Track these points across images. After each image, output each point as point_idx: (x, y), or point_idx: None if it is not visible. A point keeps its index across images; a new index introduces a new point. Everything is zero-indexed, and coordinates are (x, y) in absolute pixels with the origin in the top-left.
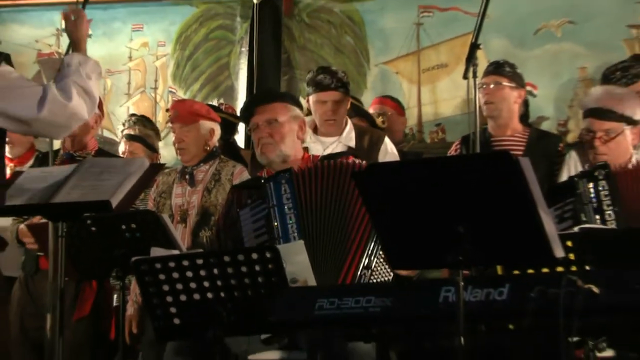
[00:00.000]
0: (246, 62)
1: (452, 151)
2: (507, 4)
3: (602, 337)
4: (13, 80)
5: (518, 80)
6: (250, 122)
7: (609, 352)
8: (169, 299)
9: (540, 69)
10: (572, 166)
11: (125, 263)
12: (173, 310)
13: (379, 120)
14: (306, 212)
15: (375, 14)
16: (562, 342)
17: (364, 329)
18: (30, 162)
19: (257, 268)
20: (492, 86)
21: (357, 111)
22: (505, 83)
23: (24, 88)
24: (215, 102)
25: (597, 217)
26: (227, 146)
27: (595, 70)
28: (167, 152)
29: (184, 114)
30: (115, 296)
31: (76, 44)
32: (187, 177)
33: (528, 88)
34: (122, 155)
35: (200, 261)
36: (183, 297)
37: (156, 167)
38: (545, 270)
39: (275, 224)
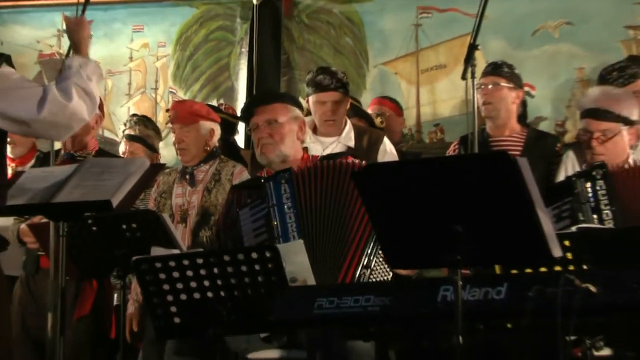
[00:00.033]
0: (246, 63)
1: (450, 151)
2: (505, 5)
3: (600, 335)
4: (13, 81)
5: (516, 81)
6: (250, 122)
7: (607, 351)
8: (169, 298)
9: (538, 70)
10: (569, 166)
11: (126, 262)
12: (173, 309)
13: (377, 121)
14: (306, 212)
15: (374, 15)
16: (560, 341)
17: (363, 328)
18: (32, 162)
19: (257, 267)
20: (490, 87)
21: (356, 111)
22: (504, 84)
23: (24, 89)
24: (215, 103)
25: (595, 216)
26: (227, 146)
27: (592, 70)
28: (167, 152)
29: (184, 115)
30: (115, 295)
31: (77, 47)
32: (187, 177)
33: (526, 88)
34: (122, 156)
35: (200, 260)
36: (183, 296)
37: (156, 167)
38: (543, 269)
39: (275, 223)
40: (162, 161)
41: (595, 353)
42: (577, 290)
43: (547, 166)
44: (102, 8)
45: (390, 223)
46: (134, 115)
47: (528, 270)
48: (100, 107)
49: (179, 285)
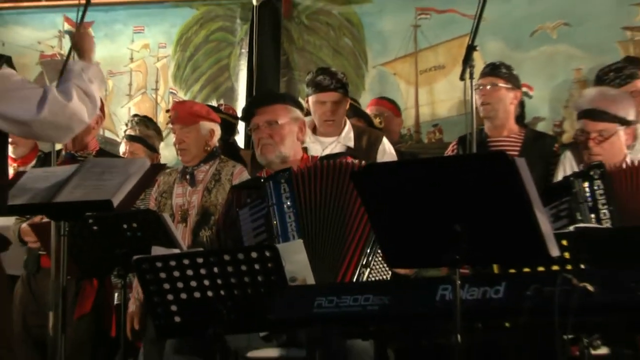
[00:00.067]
0: (246, 64)
1: (449, 151)
2: (504, 6)
3: (597, 334)
4: (14, 82)
5: (514, 82)
6: (250, 122)
7: (604, 350)
8: (170, 297)
9: (536, 71)
10: (567, 166)
11: (127, 262)
12: (174, 308)
13: (376, 121)
14: (305, 211)
15: (373, 16)
16: (558, 340)
17: (362, 327)
18: (33, 162)
19: (257, 267)
20: (488, 87)
21: (355, 112)
22: (502, 84)
23: (25, 90)
24: (215, 103)
25: (593, 216)
26: (227, 146)
27: (590, 71)
28: (168, 153)
29: (184, 115)
30: (116, 294)
31: (82, 56)
32: (187, 177)
33: (524, 89)
34: (122, 156)
35: (200, 260)
36: (184, 296)
37: (157, 168)
38: (540, 268)
39: (275, 222)
40: (162, 161)
41: (593, 352)
42: (575, 289)
43: (545, 166)
44: (103, 9)
45: (389, 223)
46: (135, 115)
47: (526, 270)
48: (101, 107)
49: (180, 285)
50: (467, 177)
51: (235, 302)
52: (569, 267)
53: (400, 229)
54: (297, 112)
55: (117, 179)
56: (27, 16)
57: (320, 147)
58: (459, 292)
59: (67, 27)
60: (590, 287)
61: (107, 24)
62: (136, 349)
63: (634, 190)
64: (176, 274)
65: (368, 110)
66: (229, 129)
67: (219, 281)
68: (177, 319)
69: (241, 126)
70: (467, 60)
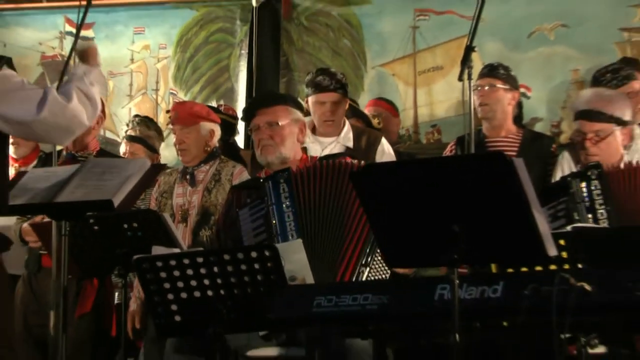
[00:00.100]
0: (246, 65)
1: (447, 152)
2: (502, 7)
3: (594, 333)
4: (14, 83)
5: (512, 83)
6: (251, 122)
7: (601, 349)
8: (170, 296)
9: (534, 72)
10: (565, 167)
11: (127, 261)
12: (174, 307)
13: (375, 122)
14: (304, 211)
15: (372, 17)
16: (555, 339)
17: (361, 326)
18: (34, 162)
19: (257, 266)
20: (486, 88)
21: (354, 112)
22: (500, 85)
23: (25, 91)
24: (215, 104)
25: (590, 216)
26: (227, 147)
27: (587, 72)
28: (168, 153)
29: (184, 116)
30: (116, 294)
31: (85, 61)
32: (187, 177)
33: (522, 90)
34: (123, 156)
35: (200, 259)
36: (184, 295)
37: (157, 168)
38: (538, 268)
39: (274, 222)
40: (162, 161)
41: (590, 351)
42: (572, 288)
43: (543, 167)
44: (103, 10)
45: (388, 222)
46: (136, 116)
47: (524, 269)
48: (102, 108)
49: (180, 284)
50: (465, 177)
51: (235, 301)
52: (566, 266)
53: (399, 229)
54: (298, 114)
55: (117, 179)
56: (28, 17)
57: (320, 147)
58: (458, 292)
59: (68, 28)
60: (587, 287)
61: (107, 25)
62: (136, 348)
63: (631, 191)
64: (176, 273)
65: (366, 111)
66: (228, 129)
67: (219, 281)
68: (178, 318)
69: (241, 126)
70: (466, 61)
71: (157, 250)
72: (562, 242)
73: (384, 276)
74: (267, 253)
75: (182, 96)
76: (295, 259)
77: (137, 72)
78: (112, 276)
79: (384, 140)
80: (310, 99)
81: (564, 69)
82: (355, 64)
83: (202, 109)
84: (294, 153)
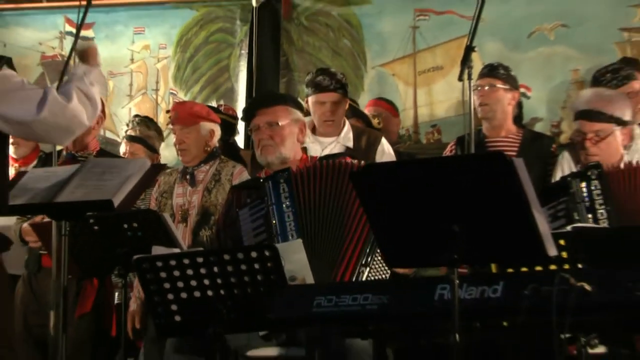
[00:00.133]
0: (246, 65)
1: (447, 152)
2: (502, 7)
3: (594, 333)
4: (14, 83)
5: (512, 83)
6: (251, 122)
7: (601, 349)
8: (170, 296)
9: (534, 72)
10: (565, 167)
11: (127, 261)
12: (174, 307)
13: (375, 122)
14: (304, 211)
15: (372, 17)
16: (555, 339)
17: (361, 326)
18: (35, 162)
19: (257, 266)
20: (486, 88)
21: (354, 112)
22: (500, 85)
23: (25, 91)
24: (215, 104)
25: (590, 216)
26: (227, 147)
27: (587, 72)
28: (168, 153)
29: (184, 116)
30: (116, 294)
31: (85, 61)
32: (188, 177)
33: (522, 90)
34: (122, 156)
35: (200, 259)
36: (184, 295)
37: (157, 168)
38: (538, 268)
39: (274, 222)
40: (163, 161)
41: (590, 351)
42: (572, 288)
43: (543, 166)
44: (103, 10)
45: (388, 222)
46: (136, 116)
47: (524, 269)
48: (102, 107)
49: (180, 284)
50: (465, 177)
51: (235, 301)
52: (566, 266)
53: (399, 229)
54: (298, 114)
55: (117, 179)
56: (29, 17)
57: (320, 147)
58: (458, 292)
59: (68, 28)
60: (587, 287)
61: (107, 25)
62: (136, 348)
63: (631, 191)
64: (176, 273)
65: (366, 111)
66: (228, 129)
67: (219, 280)
68: (178, 318)
69: (241, 126)
70: (466, 61)
71: (157, 250)
72: (562, 242)
73: (384, 276)
74: (267, 253)
75: (182, 96)
76: (295, 259)
77: (137, 72)
78: (112, 276)
79: (384, 140)
80: (310, 99)
81: (564, 69)
82: (355, 64)
83: (202, 109)
84: (294, 153)
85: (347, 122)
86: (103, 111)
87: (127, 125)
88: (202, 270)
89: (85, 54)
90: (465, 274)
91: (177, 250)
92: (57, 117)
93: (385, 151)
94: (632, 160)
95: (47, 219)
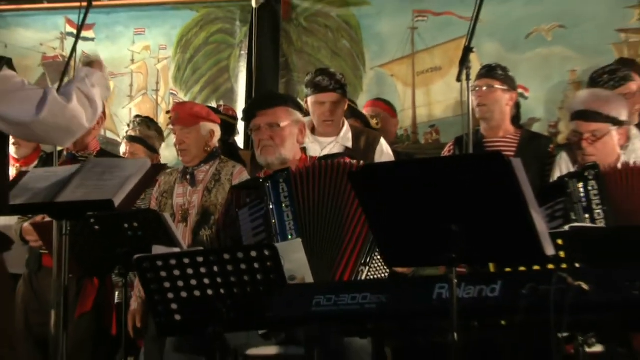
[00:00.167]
0: (245, 65)
1: (445, 152)
2: (500, 8)
3: (592, 332)
4: (14, 84)
5: (510, 83)
6: (251, 123)
7: (599, 348)
8: (170, 295)
9: (532, 72)
10: (563, 167)
11: (128, 261)
12: (174, 306)
13: (373, 122)
14: (303, 211)
15: (371, 18)
16: (553, 338)
17: (360, 325)
18: (35, 162)
19: (256, 266)
20: (484, 89)
21: (353, 112)
22: (498, 86)
23: (25, 91)
24: (215, 104)
25: (587, 216)
26: (227, 147)
27: (585, 73)
28: (168, 153)
29: (184, 116)
30: (117, 293)
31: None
32: (188, 177)
33: (519, 90)
34: (123, 156)
35: (200, 259)
36: (184, 294)
37: (157, 168)
38: (536, 267)
39: (273, 222)
40: (163, 161)
41: (588, 350)
42: (570, 288)
43: (541, 167)
44: (104, 11)
45: (386, 222)
46: (137, 116)
47: (522, 269)
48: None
49: (180, 283)
50: (463, 177)
51: (234, 300)
52: (564, 266)
53: (397, 229)
54: (298, 115)
55: (118, 179)
56: (30, 18)
57: (319, 147)
58: (456, 291)
59: (68, 29)
60: (585, 286)
61: (108, 26)
62: (137, 347)
63: (628, 191)
64: (176, 272)
65: (364, 112)
66: (228, 129)
67: (219, 280)
68: (178, 317)
69: (241, 127)
70: (464, 62)
71: (158, 249)
72: (559, 241)
73: (382, 275)
74: (266, 252)
75: (182, 97)
76: (294, 258)
77: (138, 72)
78: (112, 275)
79: (383, 141)
80: (310, 99)
81: (561, 69)
82: (354, 64)
83: (202, 109)
84: (294, 154)
85: (346, 123)
86: (103, 112)
87: (128, 125)
88: (202, 270)
89: (92, 66)
90: (463, 273)
91: (177, 250)
92: (57, 118)
93: (384, 151)
94: (629, 160)
95: (47, 219)
